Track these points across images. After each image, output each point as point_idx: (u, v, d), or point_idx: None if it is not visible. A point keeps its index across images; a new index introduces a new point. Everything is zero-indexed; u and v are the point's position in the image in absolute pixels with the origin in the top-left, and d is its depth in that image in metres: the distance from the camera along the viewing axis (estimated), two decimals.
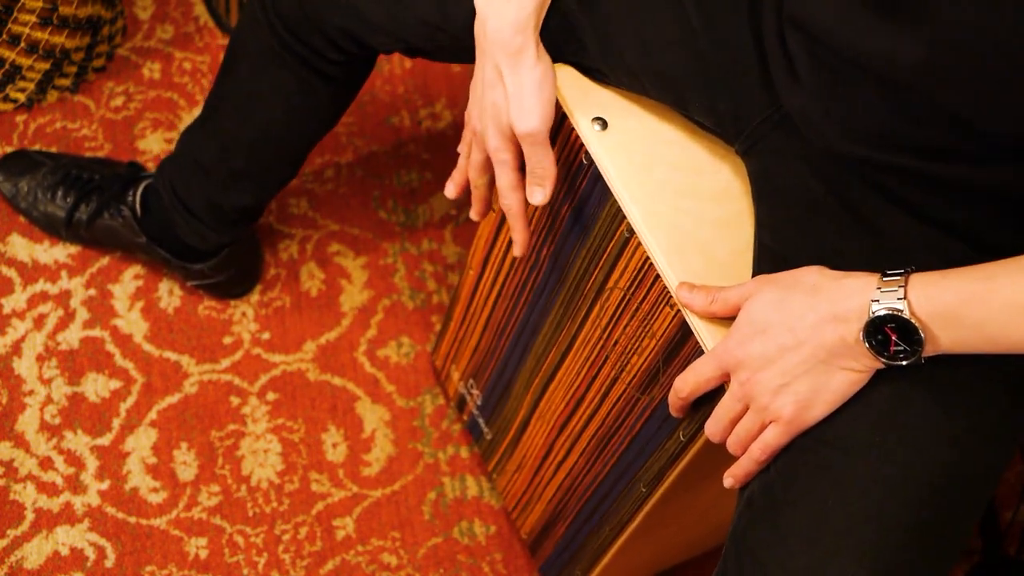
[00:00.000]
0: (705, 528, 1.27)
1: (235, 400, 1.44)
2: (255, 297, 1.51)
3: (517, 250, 1.05)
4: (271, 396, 1.45)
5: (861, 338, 0.78)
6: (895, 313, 0.76)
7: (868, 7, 0.77)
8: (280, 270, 1.53)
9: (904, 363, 0.77)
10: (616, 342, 1.03)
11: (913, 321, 0.75)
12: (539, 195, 0.99)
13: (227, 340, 1.47)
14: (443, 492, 1.43)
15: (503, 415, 1.32)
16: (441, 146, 1.67)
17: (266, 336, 1.48)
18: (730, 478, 0.88)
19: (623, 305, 1.00)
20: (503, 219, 1.16)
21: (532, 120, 0.94)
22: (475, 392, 1.38)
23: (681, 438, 0.97)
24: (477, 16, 0.95)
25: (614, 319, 1.03)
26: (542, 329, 1.16)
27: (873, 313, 0.77)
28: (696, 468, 0.99)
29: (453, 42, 1.04)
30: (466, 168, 1.05)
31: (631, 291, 0.98)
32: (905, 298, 0.76)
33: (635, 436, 1.05)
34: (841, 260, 0.84)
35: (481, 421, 1.39)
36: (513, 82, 0.94)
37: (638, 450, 1.05)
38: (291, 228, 1.56)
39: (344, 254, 1.56)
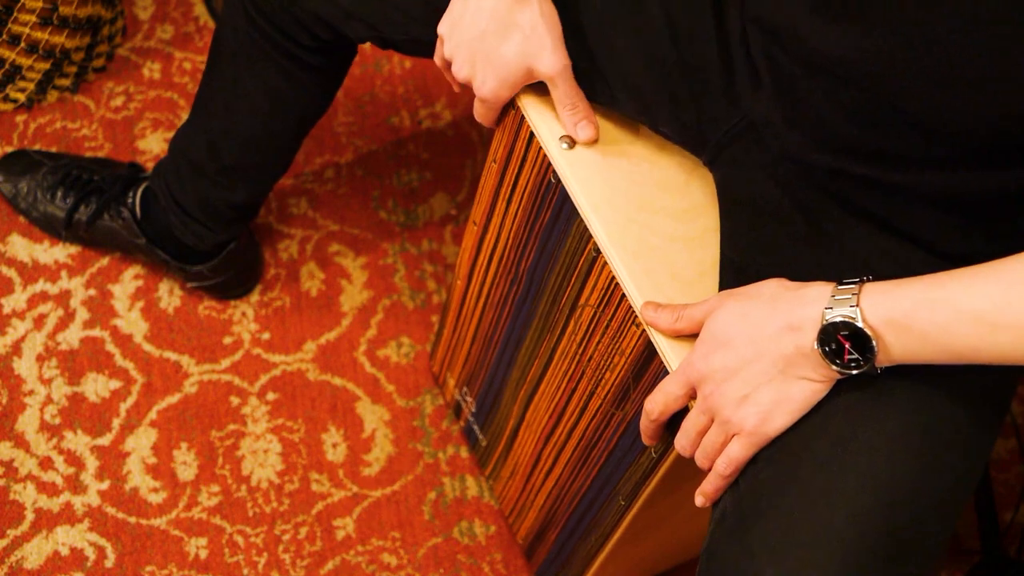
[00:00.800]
0: (694, 533, 1.27)
1: (235, 400, 1.44)
2: (255, 297, 1.51)
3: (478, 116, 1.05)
4: (271, 396, 1.45)
5: (816, 346, 0.78)
6: (848, 320, 0.76)
7: (821, 5, 0.77)
8: (280, 270, 1.53)
9: (856, 372, 0.77)
10: (590, 358, 1.03)
11: (865, 329, 0.75)
12: (589, 129, 0.98)
13: (227, 340, 1.47)
14: (443, 492, 1.43)
15: (495, 423, 1.32)
16: (441, 146, 1.67)
17: (266, 336, 1.48)
18: (701, 496, 0.88)
19: (594, 322, 1.00)
20: (484, 230, 1.16)
21: (560, 57, 0.95)
22: (469, 399, 1.38)
23: (653, 454, 0.97)
24: None
25: (587, 335, 1.03)
26: (524, 341, 1.16)
27: (826, 320, 0.77)
28: (671, 481, 0.99)
29: (425, 34, 1.04)
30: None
31: (601, 308, 0.98)
32: (858, 306, 0.76)
33: (612, 450, 1.05)
34: (803, 270, 0.84)
35: (476, 427, 1.39)
36: (526, 20, 0.93)
37: (616, 463, 1.05)
38: (291, 228, 1.56)
39: (344, 254, 1.56)
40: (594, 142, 0.99)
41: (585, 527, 1.17)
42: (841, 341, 0.76)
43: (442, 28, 0.99)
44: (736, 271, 0.90)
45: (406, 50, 1.10)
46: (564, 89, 0.96)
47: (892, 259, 0.83)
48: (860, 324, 0.75)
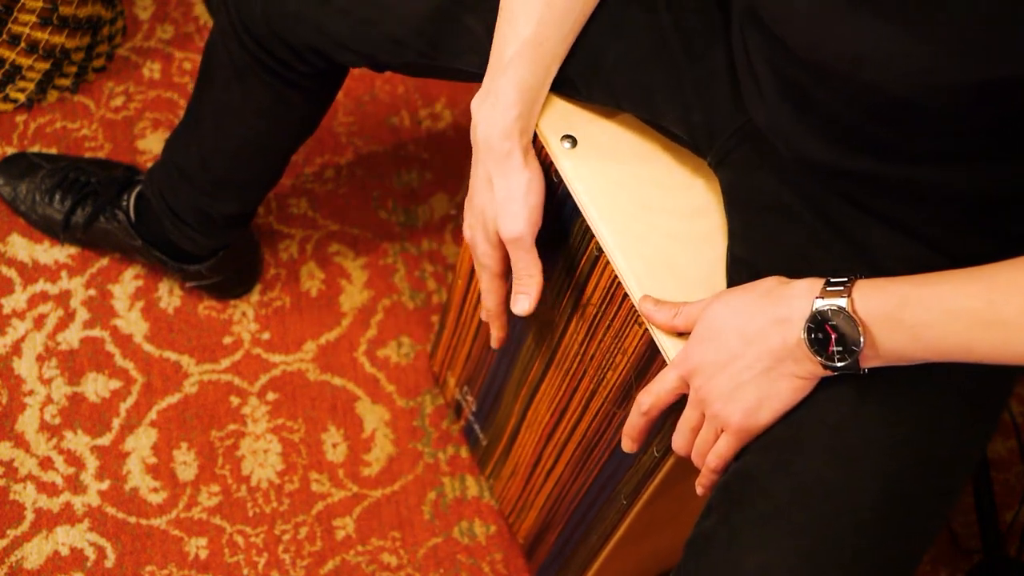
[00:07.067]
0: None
1: (235, 400, 1.44)
2: (255, 297, 1.51)
3: (493, 344, 1.08)
4: (271, 396, 1.45)
5: (802, 336, 0.78)
6: (838, 309, 0.76)
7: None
8: (280, 270, 1.53)
9: (841, 365, 0.77)
10: (592, 357, 1.03)
11: (854, 318, 0.76)
12: (524, 303, 0.98)
13: (227, 340, 1.47)
14: (443, 492, 1.43)
15: (496, 422, 1.32)
16: (441, 146, 1.67)
17: (266, 336, 1.48)
18: (699, 487, 0.89)
19: (597, 321, 1.00)
20: None
21: (517, 225, 0.95)
22: (470, 399, 1.38)
23: (655, 453, 0.97)
24: (472, 122, 0.96)
25: (589, 334, 1.02)
26: (526, 340, 1.16)
27: (815, 308, 0.77)
28: (673, 481, 0.98)
29: (419, 58, 1.05)
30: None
31: (603, 308, 0.98)
32: (849, 297, 0.76)
33: (614, 449, 1.05)
34: (811, 266, 0.84)
35: (477, 427, 1.39)
36: (501, 186, 0.95)
37: (617, 463, 1.05)
38: (291, 228, 1.56)
39: (344, 254, 1.56)
40: (527, 315, 0.99)
41: (586, 527, 1.17)
42: (828, 331, 0.76)
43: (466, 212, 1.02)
44: (744, 269, 0.90)
45: (404, 72, 1.11)
46: (518, 255, 0.97)
47: (902, 258, 0.83)
48: (850, 312, 0.76)
